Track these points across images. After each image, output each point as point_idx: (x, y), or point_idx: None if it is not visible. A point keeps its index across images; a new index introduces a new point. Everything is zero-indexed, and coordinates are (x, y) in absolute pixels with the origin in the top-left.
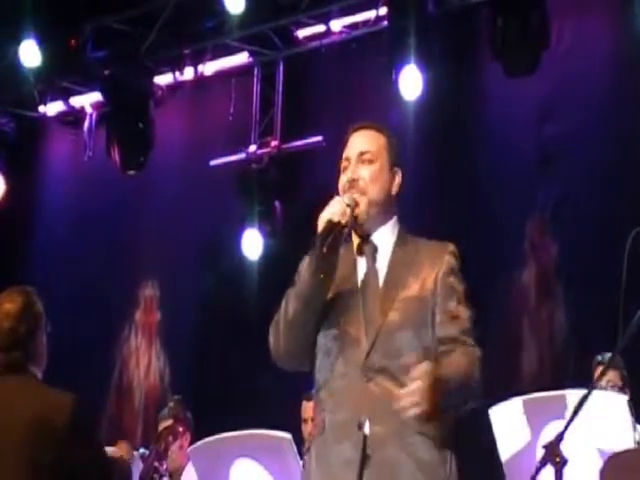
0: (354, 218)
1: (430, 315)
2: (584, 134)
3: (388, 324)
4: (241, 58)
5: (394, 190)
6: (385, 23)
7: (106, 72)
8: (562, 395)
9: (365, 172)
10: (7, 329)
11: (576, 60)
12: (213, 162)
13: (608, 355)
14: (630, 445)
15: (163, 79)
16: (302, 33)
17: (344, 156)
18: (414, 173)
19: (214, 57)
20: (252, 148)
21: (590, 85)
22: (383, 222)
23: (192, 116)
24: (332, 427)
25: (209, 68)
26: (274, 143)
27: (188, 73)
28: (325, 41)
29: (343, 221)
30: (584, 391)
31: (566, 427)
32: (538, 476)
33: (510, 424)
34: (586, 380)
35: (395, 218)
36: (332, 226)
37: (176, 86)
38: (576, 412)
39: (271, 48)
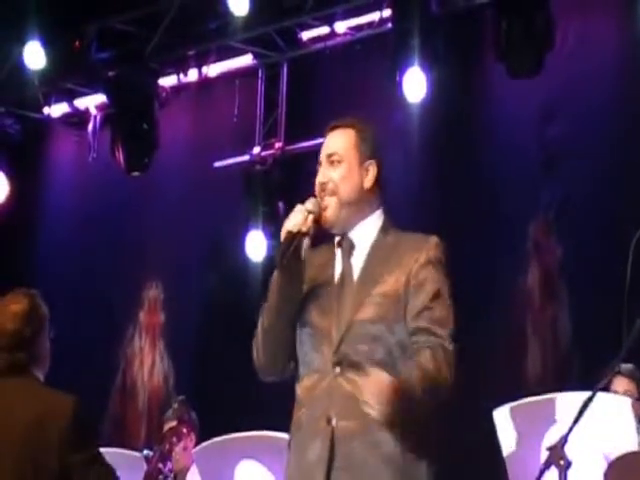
0: (319, 222)
1: (403, 310)
2: (588, 135)
3: (359, 319)
4: (245, 60)
5: (367, 185)
6: (389, 25)
7: (110, 73)
8: (566, 397)
9: (334, 174)
10: (12, 330)
11: (580, 61)
12: (217, 163)
13: (625, 366)
14: (634, 448)
15: (167, 80)
16: (306, 35)
17: (319, 159)
18: (418, 174)
19: (218, 59)
20: (256, 150)
21: (594, 86)
22: (362, 217)
23: (196, 117)
24: (307, 422)
25: (213, 70)
26: (278, 145)
27: (192, 74)
28: (329, 43)
29: (304, 229)
30: (588, 394)
31: (570, 429)
32: (542, 478)
33: (514, 426)
34: (590, 383)
35: (379, 211)
36: (292, 237)
37: (180, 87)
38: (580, 414)
39: (275, 50)
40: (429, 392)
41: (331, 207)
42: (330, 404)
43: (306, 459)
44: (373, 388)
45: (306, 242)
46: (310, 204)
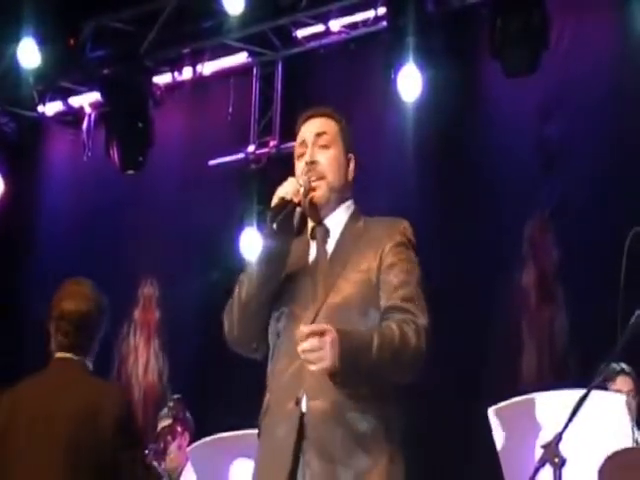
0: (309, 200)
1: (375, 290)
2: (584, 134)
3: (330, 303)
4: (240, 58)
5: (350, 176)
6: (384, 23)
7: (105, 72)
8: (561, 395)
9: (323, 157)
10: (85, 311)
11: (576, 60)
12: (212, 162)
13: (623, 365)
14: (628, 444)
15: (162, 79)
16: (301, 33)
17: (298, 141)
18: (413, 173)
19: (213, 57)
20: (251, 148)
21: (590, 85)
22: (337, 206)
23: (191, 116)
24: (275, 406)
25: (208, 68)
26: (273, 143)
27: (187, 73)
28: (324, 41)
29: (296, 200)
30: (583, 391)
31: (565, 427)
32: (537, 476)
33: (509, 424)
34: (586, 382)
35: (350, 201)
36: (285, 203)
37: (175, 86)
38: (575, 412)
39: (270, 48)
40: (389, 353)
41: (321, 189)
42: (299, 385)
43: (274, 440)
44: (317, 330)
45: (297, 212)
46: (302, 180)
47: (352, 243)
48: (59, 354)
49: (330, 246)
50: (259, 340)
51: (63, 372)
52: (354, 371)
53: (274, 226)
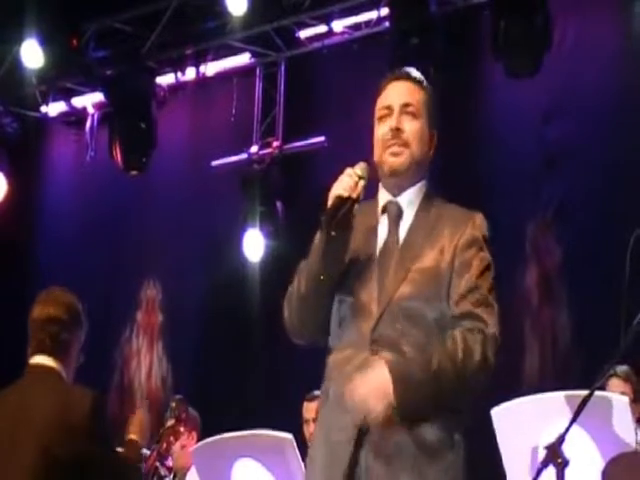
0: (389, 167)
1: (445, 289)
2: (586, 135)
3: (400, 295)
4: (243, 59)
5: (431, 152)
6: (386, 24)
7: (108, 72)
8: (564, 396)
9: (409, 126)
10: (60, 317)
11: (578, 61)
12: (215, 162)
13: (620, 367)
14: (631, 447)
15: (165, 79)
16: (304, 34)
17: (382, 104)
18: None
19: (216, 57)
20: (254, 149)
21: (593, 86)
22: (413, 184)
23: (194, 116)
24: (335, 398)
25: (211, 68)
26: (276, 144)
27: (190, 73)
28: (327, 42)
29: (354, 195)
30: (586, 392)
31: (568, 428)
32: (540, 477)
33: (512, 425)
34: (589, 382)
35: (424, 181)
36: (341, 202)
37: (178, 86)
38: (578, 413)
39: (273, 49)
40: (452, 374)
41: (404, 156)
42: None
43: (334, 437)
44: (370, 390)
45: (356, 209)
46: (360, 169)
47: (424, 231)
48: (32, 359)
49: (402, 230)
50: (319, 329)
51: (33, 377)
52: (416, 405)
53: (331, 228)
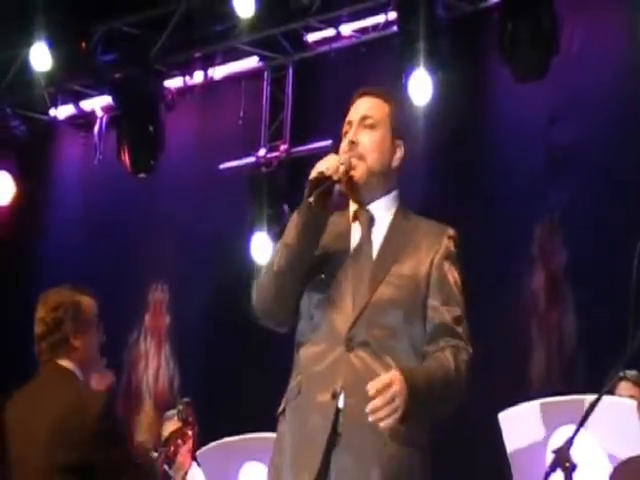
0: (348, 179)
1: (421, 299)
2: (593, 139)
3: (378, 298)
4: (251, 62)
5: (394, 163)
6: (394, 27)
7: (116, 75)
8: (572, 400)
9: (365, 138)
10: (46, 318)
11: (586, 65)
12: (223, 166)
13: (630, 371)
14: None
15: (173, 83)
16: (312, 37)
17: (347, 120)
18: (423, 177)
19: (224, 61)
20: (262, 152)
21: (599, 90)
22: (382, 194)
23: (202, 120)
24: (307, 392)
25: (219, 72)
26: (283, 147)
27: (198, 77)
28: (335, 45)
29: (335, 177)
30: (594, 396)
31: (576, 432)
32: None
33: (520, 429)
34: (596, 386)
35: (395, 192)
36: (323, 178)
37: (186, 90)
38: (586, 417)
39: (281, 52)
40: (450, 389)
41: (360, 169)
42: (337, 377)
43: (306, 431)
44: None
45: (335, 190)
46: (342, 158)
47: (400, 240)
48: (42, 360)
49: (376, 236)
50: (287, 312)
51: (45, 376)
52: (419, 411)
53: (310, 200)
